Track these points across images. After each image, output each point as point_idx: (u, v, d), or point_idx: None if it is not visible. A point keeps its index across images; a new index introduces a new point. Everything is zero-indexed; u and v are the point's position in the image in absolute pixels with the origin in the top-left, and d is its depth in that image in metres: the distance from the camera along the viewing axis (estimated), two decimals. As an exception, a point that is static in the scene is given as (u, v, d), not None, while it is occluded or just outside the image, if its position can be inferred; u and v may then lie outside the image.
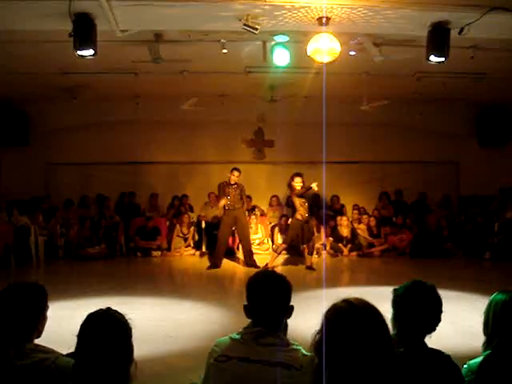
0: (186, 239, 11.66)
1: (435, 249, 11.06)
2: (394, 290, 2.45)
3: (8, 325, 2.35)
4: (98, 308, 2.16)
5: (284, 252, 10.27)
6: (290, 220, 10.11)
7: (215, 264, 9.81)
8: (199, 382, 2.47)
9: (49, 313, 2.54)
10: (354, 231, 11.69)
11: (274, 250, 9.90)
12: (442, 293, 2.44)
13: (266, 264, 9.40)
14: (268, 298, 2.35)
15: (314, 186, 9.28)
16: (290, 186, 9.53)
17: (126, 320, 2.13)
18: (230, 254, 10.73)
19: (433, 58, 6.07)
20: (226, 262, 10.17)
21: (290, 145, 12.10)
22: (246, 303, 2.41)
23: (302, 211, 9.41)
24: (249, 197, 11.40)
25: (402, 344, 2.24)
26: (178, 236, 11.62)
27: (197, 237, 11.77)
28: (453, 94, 11.35)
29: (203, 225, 11.74)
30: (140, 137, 12.58)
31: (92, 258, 10.75)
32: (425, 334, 2.36)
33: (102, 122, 12.31)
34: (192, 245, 11.72)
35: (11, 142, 11.80)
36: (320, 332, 1.82)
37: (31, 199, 11.69)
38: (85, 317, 2.13)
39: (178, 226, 11.63)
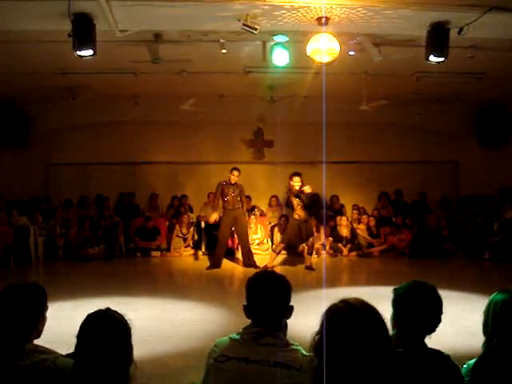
0: (185, 239, 11.65)
1: (435, 249, 11.06)
2: (395, 289, 2.45)
3: (7, 325, 2.35)
4: (97, 308, 2.16)
5: (283, 252, 10.28)
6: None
7: (215, 264, 9.80)
8: (199, 382, 2.47)
9: (48, 313, 2.54)
10: (353, 231, 11.70)
11: (273, 250, 9.92)
12: (442, 293, 2.44)
13: (266, 264, 9.40)
14: (268, 298, 2.35)
15: (307, 188, 9.28)
16: (289, 186, 9.54)
17: (126, 320, 2.13)
18: (230, 255, 10.72)
19: (432, 58, 6.07)
20: (225, 262, 10.16)
21: (290, 145, 12.10)
22: (245, 303, 2.41)
23: (299, 211, 9.42)
24: (248, 197, 11.40)
25: (402, 344, 2.24)
26: (178, 236, 11.62)
27: (196, 237, 11.78)
28: (452, 94, 11.36)
29: (203, 225, 11.74)
30: (139, 137, 12.59)
31: (91, 259, 10.74)
32: (425, 335, 2.36)
33: (102, 123, 12.31)
34: (191, 245, 11.72)
35: (11, 142, 11.79)
36: (319, 332, 1.82)
37: (30, 199, 11.69)
38: (84, 317, 2.13)
39: (177, 227, 11.63)
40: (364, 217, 11.99)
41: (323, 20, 5.74)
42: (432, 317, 2.36)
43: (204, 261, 10.63)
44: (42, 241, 10.77)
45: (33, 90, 10.77)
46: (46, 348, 2.39)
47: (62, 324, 4.98)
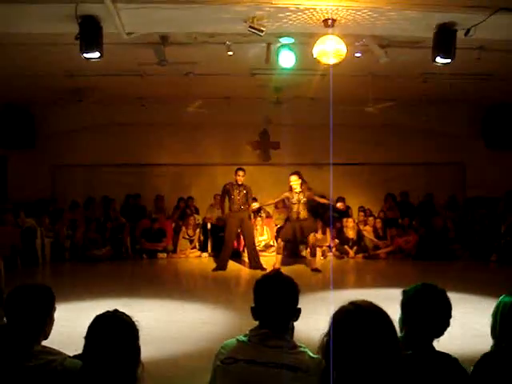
0: (191, 241, 11.67)
1: (441, 251, 11.02)
2: (404, 291, 2.44)
3: (16, 326, 2.36)
4: (104, 310, 2.17)
5: (285, 253, 10.25)
6: None
7: (221, 266, 9.80)
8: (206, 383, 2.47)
9: (55, 315, 2.55)
10: (359, 233, 11.67)
11: (277, 252, 9.88)
12: (448, 295, 2.43)
13: (274, 266, 9.38)
14: (276, 300, 2.35)
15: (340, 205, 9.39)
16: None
17: (134, 322, 2.13)
18: (236, 256, 10.73)
19: (439, 60, 6.04)
20: (231, 264, 10.16)
21: (296, 146, 12.09)
22: (253, 305, 2.41)
23: (293, 211, 9.43)
24: (255, 199, 11.39)
25: (410, 346, 2.23)
26: (184, 238, 11.63)
27: (202, 238, 11.79)
28: (459, 96, 11.31)
29: (209, 226, 11.75)
30: (145, 139, 12.61)
31: (98, 260, 10.78)
32: (433, 338, 2.34)
33: (108, 124, 12.35)
34: (198, 247, 11.73)
35: (18, 144, 11.84)
36: (327, 335, 1.82)
37: (37, 201, 11.73)
38: (91, 319, 2.14)
39: (183, 228, 11.65)
40: (370, 218, 11.96)
41: (330, 22, 5.73)
42: (441, 320, 2.35)
43: (210, 262, 10.64)
44: (48, 242, 10.81)
45: (40, 92, 10.82)
46: (54, 349, 2.40)
47: (69, 325, 5.00)
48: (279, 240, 9.85)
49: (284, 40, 7.26)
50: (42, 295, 2.48)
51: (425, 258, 10.81)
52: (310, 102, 11.10)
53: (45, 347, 2.40)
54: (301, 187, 9.43)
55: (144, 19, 5.73)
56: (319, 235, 11.52)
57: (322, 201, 9.81)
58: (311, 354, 2.25)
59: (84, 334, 2.11)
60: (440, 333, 2.36)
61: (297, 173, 9.54)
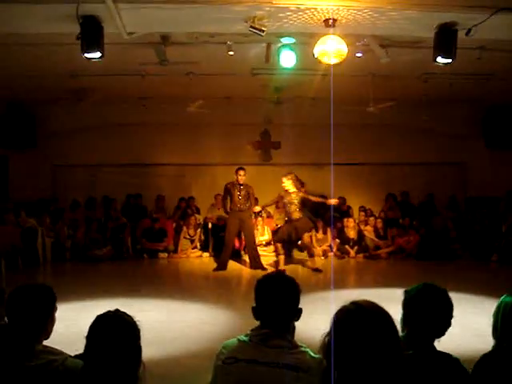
0: (192, 241, 11.68)
1: (442, 251, 11.02)
2: (405, 291, 2.44)
3: (17, 326, 2.37)
4: (105, 310, 2.17)
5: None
6: None
7: (221, 266, 9.80)
8: (207, 383, 2.47)
9: (56, 314, 2.55)
10: (360, 233, 11.67)
11: (277, 253, 9.84)
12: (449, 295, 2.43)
13: (278, 268, 9.34)
14: (277, 300, 2.36)
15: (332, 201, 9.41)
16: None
17: (135, 322, 2.14)
18: (237, 256, 10.73)
19: (440, 60, 6.04)
20: (232, 264, 10.17)
21: (297, 146, 12.10)
22: (254, 305, 2.41)
23: (286, 211, 9.51)
24: (256, 199, 11.39)
25: (411, 346, 2.23)
26: (185, 238, 11.64)
27: (203, 237, 11.80)
28: (460, 95, 11.32)
29: (210, 226, 11.75)
30: (146, 139, 12.62)
31: (99, 260, 10.78)
32: (434, 338, 2.35)
33: (109, 124, 12.36)
34: (199, 246, 11.74)
35: (19, 144, 11.85)
36: (329, 334, 1.82)
37: (38, 201, 11.74)
38: (92, 318, 2.14)
39: (184, 228, 11.65)
40: (371, 218, 11.96)
41: (330, 22, 5.73)
42: (442, 320, 2.35)
43: (211, 262, 10.64)
44: (49, 242, 10.82)
45: (41, 92, 10.83)
46: (55, 349, 2.40)
47: (70, 325, 5.01)
48: (276, 244, 9.84)
49: (285, 40, 7.26)
50: (43, 295, 2.49)
51: (425, 258, 10.81)
52: (310, 101, 11.10)
53: (46, 347, 2.40)
54: (294, 188, 9.42)
55: (145, 19, 5.73)
56: (320, 235, 11.54)
57: (315, 199, 9.76)
58: (312, 354, 2.26)
59: (85, 333, 2.11)
60: (441, 333, 2.36)
61: (289, 174, 9.54)
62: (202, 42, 7.51)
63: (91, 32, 5.47)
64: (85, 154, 12.45)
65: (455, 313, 2.40)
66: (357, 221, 12.03)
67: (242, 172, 9.80)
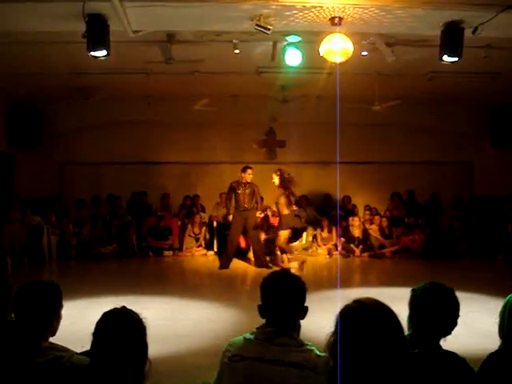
0: (197, 239, 11.69)
1: (447, 250, 10.99)
2: (412, 290, 2.44)
3: (24, 323, 2.38)
4: (110, 307, 2.17)
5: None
6: None
7: (224, 265, 9.80)
8: (212, 381, 2.48)
9: (62, 312, 2.56)
10: (365, 232, 11.65)
11: (289, 252, 9.82)
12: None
13: (289, 268, 9.29)
14: (283, 298, 2.36)
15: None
16: None
17: (141, 319, 2.14)
18: (242, 255, 10.73)
19: (446, 58, 6.02)
20: (237, 263, 10.17)
21: (302, 145, 12.08)
22: (260, 303, 2.42)
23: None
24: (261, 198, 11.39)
25: (417, 345, 2.23)
26: (190, 236, 11.65)
27: (208, 236, 11.81)
28: (466, 94, 11.28)
29: (215, 225, 11.76)
30: (152, 137, 12.64)
31: (104, 258, 10.81)
32: (440, 337, 2.34)
33: (114, 122, 12.38)
34: (203, 245, 11.75)
35: (26, 142, 11.88)
36: (334, 333, 1.82)
37: (44, 199, 11.78)
38: (98, 316, 2.14)
39: (189, 226, 11.67)
40: (376, 217, 11.94)
41: (336, 20, 5.72)
42: (448, 319, 2.35)
43: (216, 260, 10.65)
44: (55, 240, 10.85)
45: (48, 91, 10.87)
46: (62, 346, 2.41)
47: (76, 322, 5.03)
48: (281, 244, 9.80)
49: (291, 38, 7.25)
50: (49, 292, 2.50)
51: (431, 257, 10.78)
52: (316, 100, 11.09)
53: (52, 344, 2.41)
54: (280, 186, 9.40)
55: (150, 17, 5.74)
56: (325, 234, 11.53)
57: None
58: (318, 352, 2.26)
59: (91, 330, 2.11)
60: (447, 332, 2.35)
61: (277, 170, 9.54)
62: (207, 41, 7.51)
63: (97, 30, 5.48)
64: (90, 152, 12.49)
65: (461, 312, 2.40)
66: (362, 219, 12.01)
67: (249, 171, 9.79)
